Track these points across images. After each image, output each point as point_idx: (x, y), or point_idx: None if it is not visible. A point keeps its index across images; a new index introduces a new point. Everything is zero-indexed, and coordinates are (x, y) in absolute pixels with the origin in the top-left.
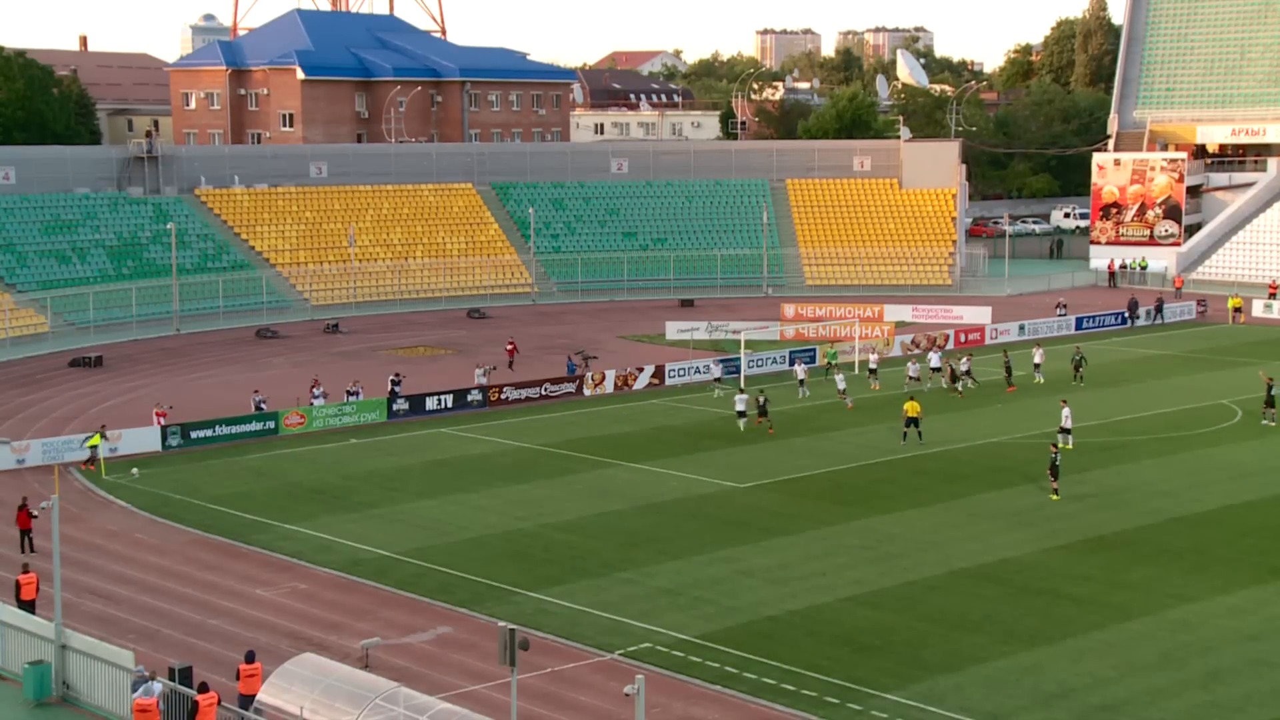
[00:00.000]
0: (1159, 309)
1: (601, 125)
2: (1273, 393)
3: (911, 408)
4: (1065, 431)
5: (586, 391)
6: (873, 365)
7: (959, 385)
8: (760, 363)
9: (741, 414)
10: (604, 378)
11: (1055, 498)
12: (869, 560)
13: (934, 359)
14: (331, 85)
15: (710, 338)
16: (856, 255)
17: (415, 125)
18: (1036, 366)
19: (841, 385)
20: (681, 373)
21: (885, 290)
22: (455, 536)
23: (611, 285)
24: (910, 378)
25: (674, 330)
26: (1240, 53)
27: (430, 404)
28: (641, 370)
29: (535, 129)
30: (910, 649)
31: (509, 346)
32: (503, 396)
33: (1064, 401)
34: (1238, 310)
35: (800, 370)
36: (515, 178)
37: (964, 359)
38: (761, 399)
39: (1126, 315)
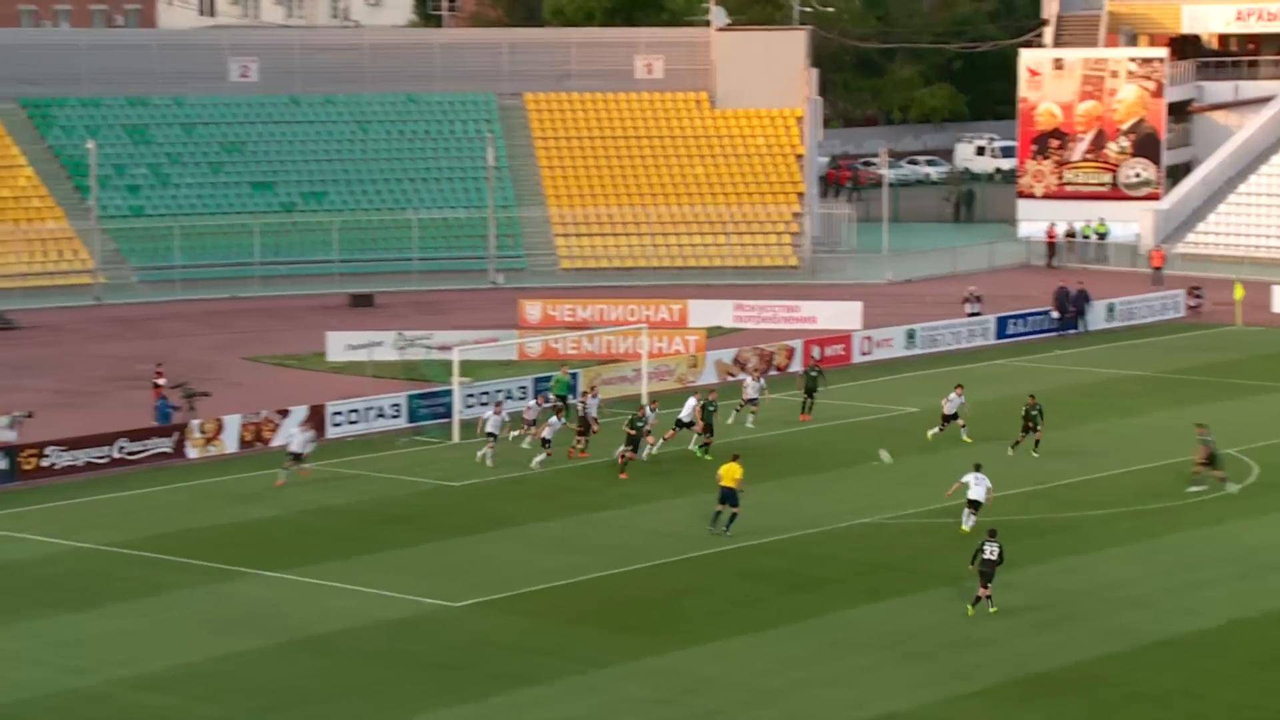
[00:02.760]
0: (1079, 309)
1: (212, 1)
2: (1215, 451)
3: (728, 472)
4: (974, 505)
5: (191, 452)
6: (749, 394)
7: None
8: (486, 398)
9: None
10: (220, 428)
11: (994, 610)
12: None
13: (750, 388)
14: None
15: (402, 358)
16: (641, 220)
17: None
18: (948, 420)
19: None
20: (354, 416)
21: (690, 277)
22: None
23: (233, 272)
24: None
25: (340, 346)
26: None
27: None
28: (285, 414)
29: (96, 7)
30: None
31: (157, 375)
32: (45, 463)
33: (977, 465)
34: None
35: (533, 412)
36: (63, 90)
37: (648, 408)
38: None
39: (1057, 316)
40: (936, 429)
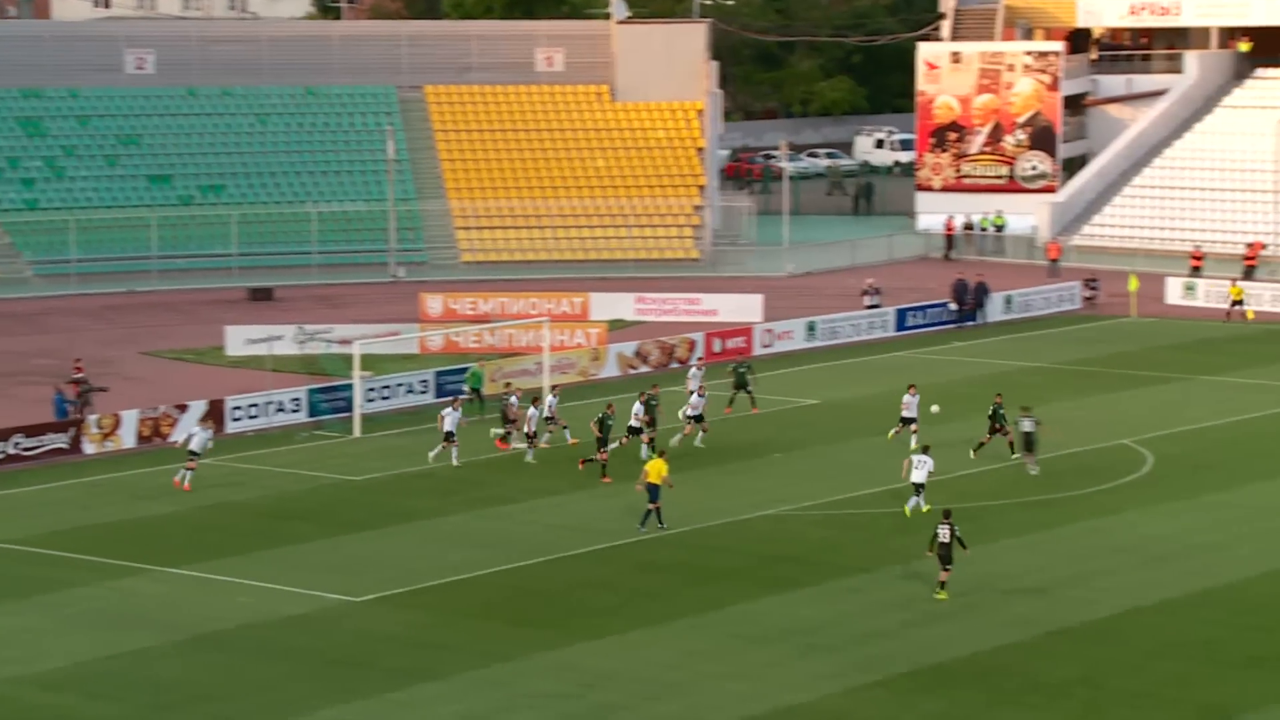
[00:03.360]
0: (978, 301)
1: None
2: (1027, 430)
3: (655, 469)
4: (919, 488)
5: (88, 448)
6: (692, 410)
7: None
8: (387, 393)
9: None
10: (118, 423)
11: (942, 595)
12: (567, 717)
13: (693, 380)
14: None
15: (302, 352)
16: (541, 213)
17: None
18: (906, 422)
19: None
20: (253, 411)
21: (591, 270)
22: None
23: (130, 266)
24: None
25: (239, 341)
26: None
27: None
28: (184, 409)
29: None
30: None
31: (76, 370)
32: None
33: (926, 448)
34: (1237, 303)
35: (453, 418)
36: None
37: (549, 399)
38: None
39: (955, 308)
40: (895, 429)
